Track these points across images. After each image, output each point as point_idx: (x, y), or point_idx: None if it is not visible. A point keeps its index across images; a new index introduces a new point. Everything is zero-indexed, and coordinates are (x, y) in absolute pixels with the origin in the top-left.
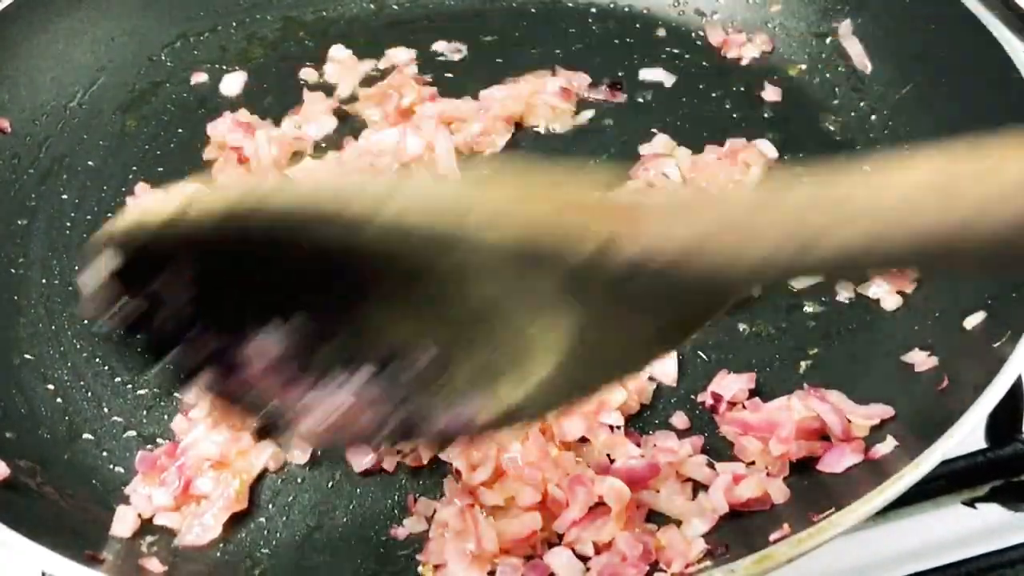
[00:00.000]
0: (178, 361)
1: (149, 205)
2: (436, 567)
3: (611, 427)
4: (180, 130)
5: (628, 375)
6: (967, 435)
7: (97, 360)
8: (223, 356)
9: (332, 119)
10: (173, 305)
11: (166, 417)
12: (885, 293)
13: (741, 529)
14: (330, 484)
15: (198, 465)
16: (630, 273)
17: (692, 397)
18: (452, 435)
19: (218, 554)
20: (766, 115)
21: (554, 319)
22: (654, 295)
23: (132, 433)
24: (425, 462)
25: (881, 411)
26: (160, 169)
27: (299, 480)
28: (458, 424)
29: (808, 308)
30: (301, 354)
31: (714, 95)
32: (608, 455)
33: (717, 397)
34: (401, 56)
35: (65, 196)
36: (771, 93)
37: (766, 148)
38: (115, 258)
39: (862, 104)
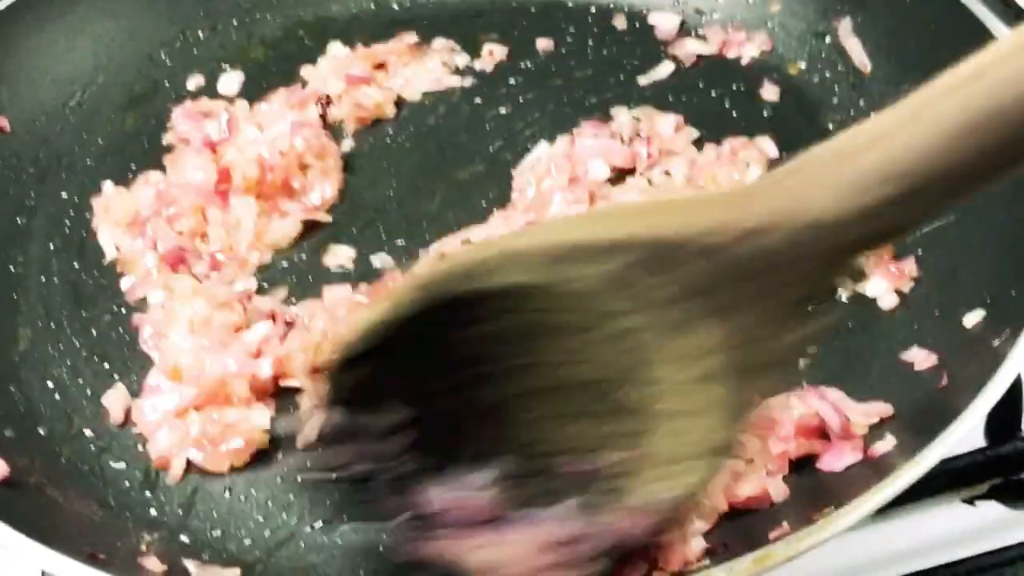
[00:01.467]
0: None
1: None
2: None
3: None
4: None
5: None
6: (967, 433)
7: (96, 358)
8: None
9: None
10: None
11: None
12: (882, 291)
13: (740, 528)
14: (330, 482)
15: None
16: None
17: None
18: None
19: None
20: (766, 114)
21: (702, 338)
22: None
23: (132, 430)
24: None
25: (880, 409)
26: (159, 169)
27: (299, 479)
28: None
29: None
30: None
31: (713, 94)
32: None
33: None
34: None
35: (65, 195)
36: (770, 92)
37: (766, 146)
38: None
39: (862, 103)
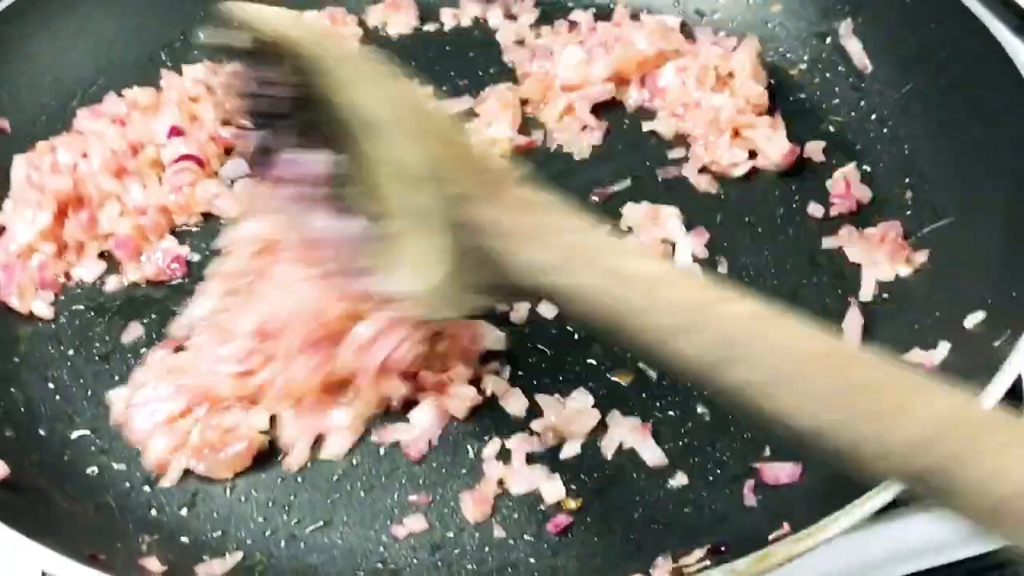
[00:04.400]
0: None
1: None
2: None
3: None
4: None
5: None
6: None
7: (96, 359)
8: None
9: None
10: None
11: None
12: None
13: (740, 528)
14: (331, 483)
15: None
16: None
17: None
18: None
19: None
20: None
21: (439, 233)
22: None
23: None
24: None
25: None
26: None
27: (299, 480)
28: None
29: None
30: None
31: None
32: None
33: None
34: None
35: None
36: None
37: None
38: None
39: (862, 104)
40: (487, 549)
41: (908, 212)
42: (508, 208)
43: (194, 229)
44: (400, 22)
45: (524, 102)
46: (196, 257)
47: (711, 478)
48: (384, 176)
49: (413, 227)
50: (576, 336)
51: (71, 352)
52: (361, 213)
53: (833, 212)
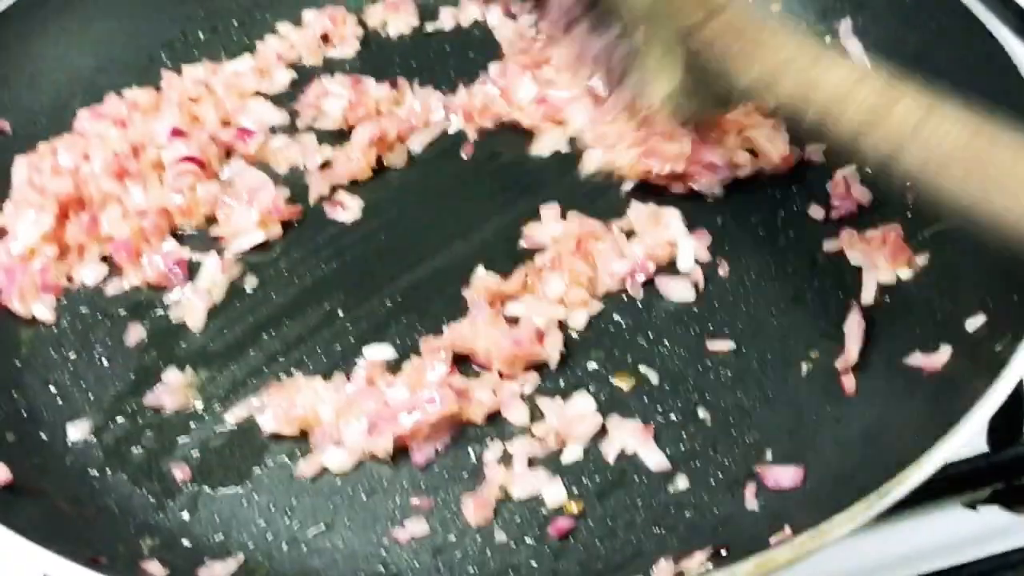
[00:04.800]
0: None
1: None
2: None
3: None
4: None
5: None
6: (969, 438)
7: (98, 363)
8: None
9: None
10: None
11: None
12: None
13: (742, 531)
14: (332, 487)
15: None
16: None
17: None
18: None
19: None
20: None
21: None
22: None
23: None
24: None
25: None
26: None
27: (301, 483)
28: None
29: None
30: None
31: None
32: None
33: None
34: None
35: None
36: None
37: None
38: None
39: None
40: (488, 553)
41: (909, 214)
42: (727, 32)
43: (195, 232)
44: (400, 22)
45: None
46: (197, 260)
47: (712, 481)
48: (627, 9)
49: (653, 47)
50: (577, 339)
51: (73, 356)
52: (612, 32)
53: (834, 214)
